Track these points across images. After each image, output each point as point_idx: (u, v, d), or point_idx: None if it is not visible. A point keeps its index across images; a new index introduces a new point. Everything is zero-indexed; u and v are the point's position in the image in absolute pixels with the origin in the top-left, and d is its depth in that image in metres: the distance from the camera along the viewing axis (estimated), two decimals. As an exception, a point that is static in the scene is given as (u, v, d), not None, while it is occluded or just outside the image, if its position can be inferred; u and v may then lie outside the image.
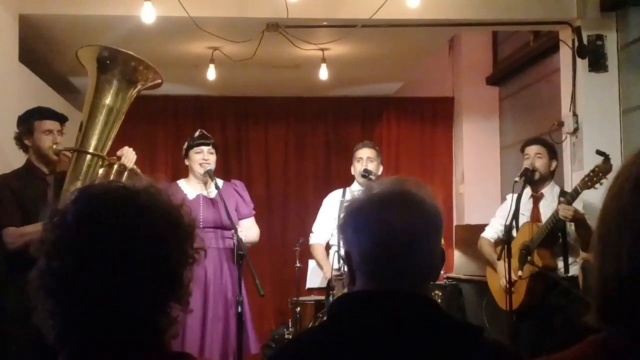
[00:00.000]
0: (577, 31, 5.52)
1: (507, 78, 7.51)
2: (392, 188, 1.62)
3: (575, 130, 5.58)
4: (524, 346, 4.51)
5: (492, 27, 6.60)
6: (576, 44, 5.54)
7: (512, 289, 4.55)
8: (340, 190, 5.33)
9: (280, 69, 7.40)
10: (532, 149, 4.82)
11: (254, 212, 4.94)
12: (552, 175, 4.86)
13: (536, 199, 4.83)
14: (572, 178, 5.49)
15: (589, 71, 5.52)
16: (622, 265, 1.05)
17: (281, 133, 8.16)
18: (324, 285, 5.20)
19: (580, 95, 5.57)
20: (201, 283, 4.46)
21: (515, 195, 4.73)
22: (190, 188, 4.79)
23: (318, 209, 5.43)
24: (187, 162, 4.83)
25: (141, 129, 7.57)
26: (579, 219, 4.44)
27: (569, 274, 4.66)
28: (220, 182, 4.74)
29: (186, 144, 4.82)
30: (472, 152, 7.79)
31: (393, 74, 7.94)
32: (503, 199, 5.30)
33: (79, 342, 1.35)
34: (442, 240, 1.78)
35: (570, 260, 4.69)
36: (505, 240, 4.58)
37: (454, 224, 7.67)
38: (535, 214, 4.79)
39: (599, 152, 4.39)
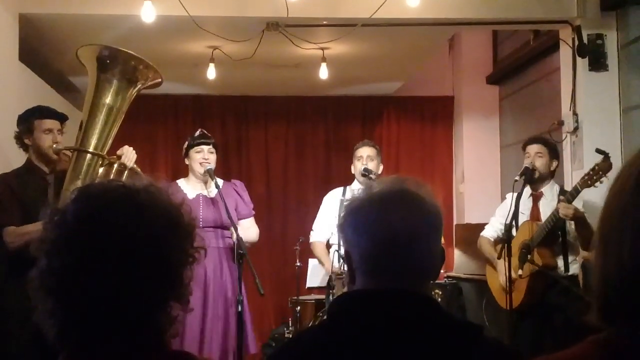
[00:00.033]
0: (577, 30, 5.52)
1: (507, 77, 7.51)
2: (392, 187, 1.62)
3: (575, 129, 5.58)
4: (524, 345, 4.52)
5: (492, 26, 6.60)
6: (576, 43, 5.54)
7: (512, 287, 4.55)
8: (341, 189, 5.33)
9: (280, 68, 7.39)
10: (533, 148, 4.82)
11: (253, 212, 4.94)
12: (552, 174, 4.85)
13: (536, 197, 4.83)
14: (572, 177, 5.49)
15: (589, 70, 5.52)
16: (623, 264, 1.05)
17: (281, 132, 8.16)
18: (324, 284, 5.20)
19: (580, 94, 5.57)
20: (201, 282, 4.46)
21: (515, 194, 4.73)
22: (189, 187, 4.79)
23: (318, 208, 5.43)
24: (187, 162, 4.82)
25: (141, 128, 7.57)
26: (579, 218, 4.44)
27: (569, 273, 4.66)
28: (220, 181, 4.74)
29: (186, 143, 4.82)
30: (472, 151, 7.79)
31: (393, 73, 7.93)
32: (503, 198, 5.30)
33: (79, 341, 1.35)
34: (442, 239, 1.78)
35: (570, 258, 4.69)
36: (505, 239, 4.58)
37: (454, 223, 7.67)
38: (534, 213, 4.79)
39: (598, 151, 4.39)
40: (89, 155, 3.98)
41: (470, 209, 7.62)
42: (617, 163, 4.43)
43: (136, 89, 4.14)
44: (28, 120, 4.10)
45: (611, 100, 5.49)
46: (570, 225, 4.59)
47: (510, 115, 7.58)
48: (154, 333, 1.37)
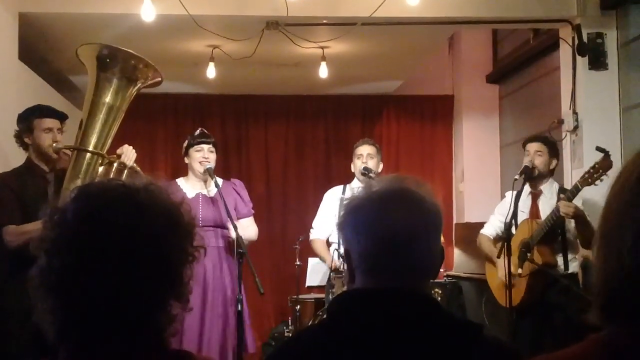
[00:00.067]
0: (577, 29, 5.52)
1: (507, 76, 7.51)
2: (392, 186, 1.61)
3: (575, 128, 5.58)
4: (524, 344, 4.51)
5: (492, 25, 6.60)
6: (576, 41, 5.54)
7: (512, 283, 4.55)
8: (341, 187, 5.33)
9: (280, 67, 7.40)
10: (532, 146, 4.82)
11: (252, 211, 4.94)
12: (551, 173, 4.86)
13: (535, 195, 4.83)
14: (571, 176, 5.49)
15: (589, 69, 5.52)
16: (624, 263, 1.05)
17: (281, 131, 8.16)
18: (324, 283, 5.20)
19: (580, 93, 5.57)
20: (200, 281, 4.46)
21: (515, 193, 4.73)
22: (189, 186, 4.78)
23: (318, 206, 5.43)
24: (186, 161, 4.82)
25: (141, 127, 7.57)
26: (579, 216, 4.44)
27: (569, 271, 4.67)
28: (220, 180, 4.74)
29: (186, 142, 4.81)
30: (472, 150, 7.78)
31: (393, 72, 7.93)
32: (503, 197, 5.30)
33: (78, 340, 1.35)
34: (442, 238, 1.78)
35: (570, 256, 4.69)
36: (505, 238, 4.58)
37: (454, 222, 7.67)
38: (534, 211, 4.80)
39: (599, 149, 4.39)
40: (88, 154, 3.98)
41: (470, 208, 7.62)
42: (616, 162, 4.43)
43: (136, 88, 4.14)
44: (28, 119, 4.10)
45: (611, 99, 5.49)
46: (570, 224, 4.59)
47: (510, 114, 7.58)
48: (154, 333, 1.37)
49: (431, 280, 1.65)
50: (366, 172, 4.98)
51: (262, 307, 7.39)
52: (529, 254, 4.56)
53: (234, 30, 5.76)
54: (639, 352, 1.04)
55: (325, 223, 5.26)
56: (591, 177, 4.32)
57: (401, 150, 8.14)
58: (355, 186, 5.08)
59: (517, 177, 4.75)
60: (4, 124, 4.54)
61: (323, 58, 6.63)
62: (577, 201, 4.50)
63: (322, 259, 5.28)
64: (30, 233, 3.46)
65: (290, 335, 5.81)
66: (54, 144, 4.05)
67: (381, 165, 5.21)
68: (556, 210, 4.47)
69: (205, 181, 4.78)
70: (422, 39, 6.73)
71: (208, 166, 4.69)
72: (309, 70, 7.06)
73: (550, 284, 4.60)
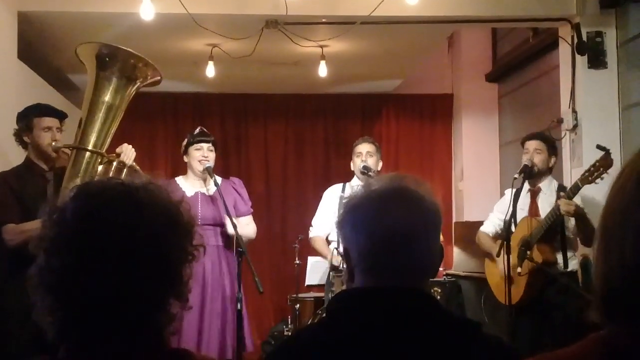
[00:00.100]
0: (576, 28, 5.52)
1: (506, 75, 7.51)
2: (391, 185, 1.61)
3: (575, 127, 5.58)
4: (523, 342, 4.51)
5: (492, 23, 6.60)
6: (575, 40, 5.54)
7: (511, 282, 4.55)
8: (340, 185, 5.33)
9: (279, 66, 7.39)
10: (531, 144, 4.82)
11: (251, 210, 4.94)
12: (550, 170, 4.86)
13: (534, 193, 4.83)
14: (571, 175, 5.49)
15: (589, 68, 5.52)
16: (624, 262, 1.04)
17: (280, 130, 8.16)
18: (324, 282, 5.20)
19: (580, 92, 5.57)
20: (199, 280, 4.46)
21: (514, 191, 4.73)
22: (188, 185, 4.78)
23: (317, 205, 5.43)
24: (186, 159, 4.82)
25: (140, 126, 7.58)
26: (579, 214, 4.44)
27: (568, 269, 4.67)
28: (219, 179, 4.74)
29: (186, 140, 4.81)
30: (472, 149, 7.79)
31: (392, 71, 7.93)
32: (502, 195, 5.30)
33: (78, 339, 1.34)
34: (441, 237, 1.78)
35: (569, 254, 4.69)
36: (504, 236, 4.58)
37: (453, 220, 7.67)
38: (533, 209, 4.80)
39: (599, 147, 4.39)
40: (88, 153, 3.98)
41: (469, 207, 7.63)
42: (616, 160, 4.43)
43: (135, 86, 4.14)
44: (27, 118, 4.10)
45: (610, 97, 5.49)
46: (569, 221, 4.59)
47: (509, 113, 7.58)
48: (153, 332, 1.37)
49: (430, 279, 1.65)
50: (366, 170, 4.97)
51: (261, 305, 7.40)
52: (528, 252, 4.56)
53: (233, 29, 5.76)
54: (639, 352, 1.04)
55: (325, 221, 5.25)
56: (591, 175, 4.32)
57: (400, 149, 8.15)
58: (355, 184, 5.07)
59: (516, 176, 4.76)
60: (3, 123, 4.54)
61: (322, 57, 6.62)
62: (577, 199, 4.50)
63: (323, 256, 5.28)
64: (30, 232, 3.47)
65: (290, 334, 5.81)
66: (53, 143, 4.05)
67: (380, 164, 5.21)
68: (556, 208, 4.47)
69: (204, 180, 4.78)
70: (422, 38, 6.72)
71: (207, 165, 4.68)
72: (309, 69, 7.05)
73: (549, 282, 4.60)
